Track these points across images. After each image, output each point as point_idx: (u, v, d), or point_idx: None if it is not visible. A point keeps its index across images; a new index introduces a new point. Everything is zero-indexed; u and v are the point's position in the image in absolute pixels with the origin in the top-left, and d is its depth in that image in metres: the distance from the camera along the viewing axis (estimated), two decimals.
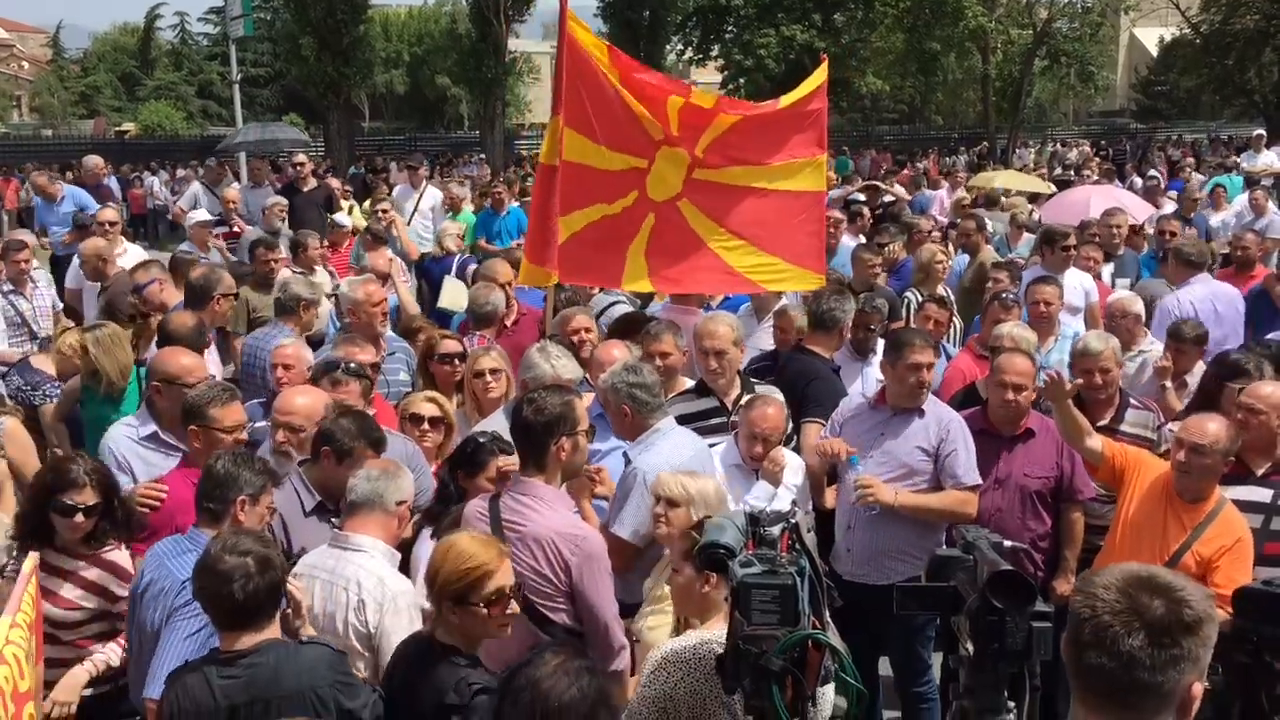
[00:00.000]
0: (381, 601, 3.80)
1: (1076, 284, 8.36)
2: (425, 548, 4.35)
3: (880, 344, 6.43)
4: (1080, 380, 5.29)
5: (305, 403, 5.00)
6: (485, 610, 3.33)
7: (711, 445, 5.28)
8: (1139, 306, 7.27)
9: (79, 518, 4.19)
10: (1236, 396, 5.31)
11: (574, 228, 6.54)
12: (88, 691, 4.16)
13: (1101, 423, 5.68)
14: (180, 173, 30.57)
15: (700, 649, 3.46)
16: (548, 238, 6.39)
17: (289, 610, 3.55)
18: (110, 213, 10.59)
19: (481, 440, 4.71)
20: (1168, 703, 1.99)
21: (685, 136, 6.63)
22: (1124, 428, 5.69)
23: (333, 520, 4.31)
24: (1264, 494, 4.94)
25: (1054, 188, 17.39)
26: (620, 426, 4.99)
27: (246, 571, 3.27)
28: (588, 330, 6.52)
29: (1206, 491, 4.74)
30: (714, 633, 3.52)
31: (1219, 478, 4.76)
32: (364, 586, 3.83)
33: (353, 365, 5.53)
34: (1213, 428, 4.67)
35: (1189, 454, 4.67)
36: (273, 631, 3.37)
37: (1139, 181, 21.04)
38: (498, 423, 5.08)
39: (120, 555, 4.35)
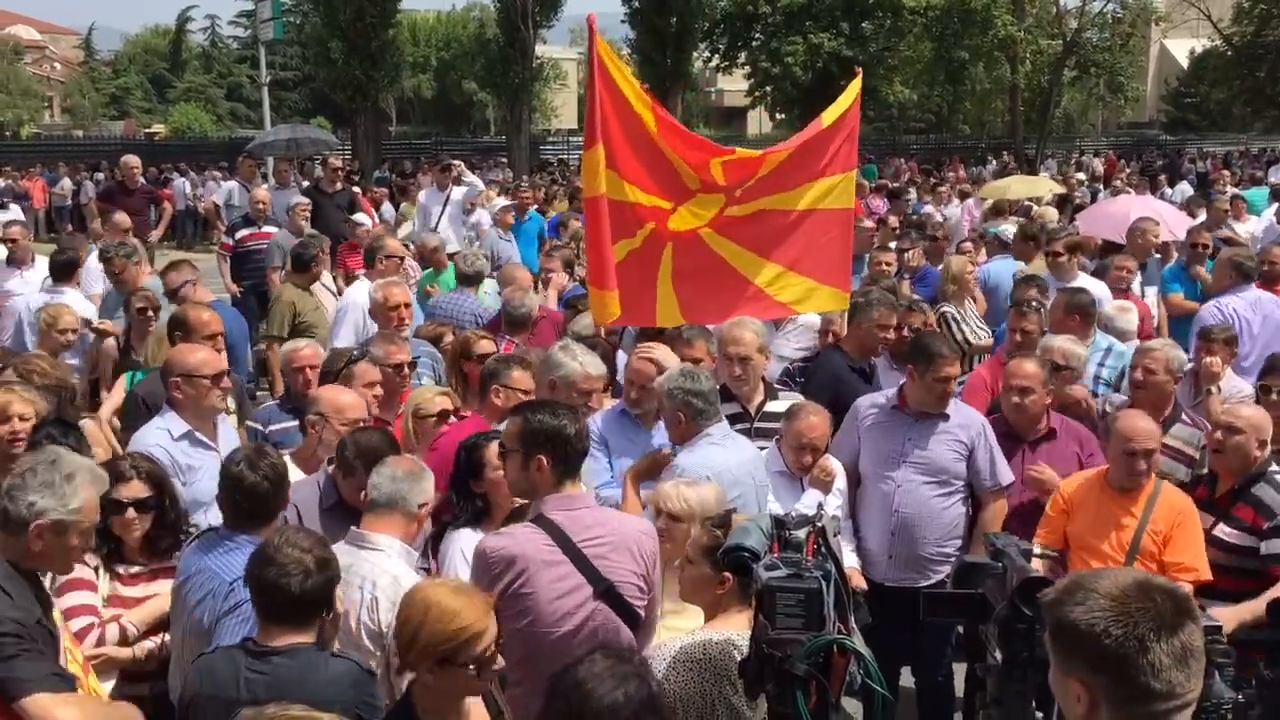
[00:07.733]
0: (395, 600, 3.68)
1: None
2: (455, 547, 4.27)
3: None
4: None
5: (350, 401, 5.10)
6: (475, 671, 3.10)
7: None
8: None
9: (130, 513, 4.04)
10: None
11: (619, 256, 6.51)
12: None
13: None
14: (207, 174, 30.70)
15: (710, 649, 3.44)
16: (606, 266, 6.36)
17: (329, 618, 3.47)
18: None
19: (469, 445, 4.50)
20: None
21: (727, 185, 6.58)
22: (1167, 440, 5.48)
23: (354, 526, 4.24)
24: None
25: (1060, 188, 17.47)
26: (675, 431, 5.03)
27: (306, 567, 3.25)
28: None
29: (1142, 482, 4.88)
30: (722, 633, 3.50)
31: (1155, 468, 4.95)
32: (378, 585, 3.79)
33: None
34: (1143, 425, 4.87)
35: (1141, 459, 4.81)
36: (308, 637, 3.32)
37: (1169, 192, 20.88)
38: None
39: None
